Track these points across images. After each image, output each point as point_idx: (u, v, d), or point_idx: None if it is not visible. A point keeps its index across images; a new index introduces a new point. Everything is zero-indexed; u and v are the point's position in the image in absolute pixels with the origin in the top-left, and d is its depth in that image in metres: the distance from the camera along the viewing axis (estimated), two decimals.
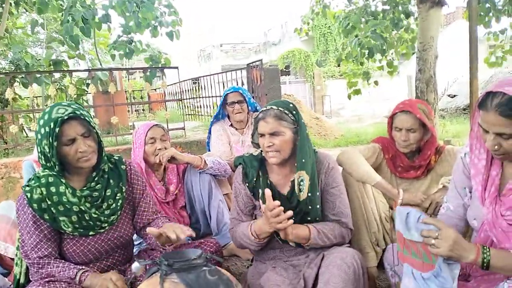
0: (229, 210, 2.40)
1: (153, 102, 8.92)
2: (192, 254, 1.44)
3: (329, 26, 20.28)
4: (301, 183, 1.66)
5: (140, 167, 2.26)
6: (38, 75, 5.09)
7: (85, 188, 1.60)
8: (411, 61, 7.55)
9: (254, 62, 5.06)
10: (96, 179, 1.62)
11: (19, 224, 1.58)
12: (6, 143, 5.10)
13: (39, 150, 1.54)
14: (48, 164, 1.53)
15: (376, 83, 7.57)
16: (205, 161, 2.38)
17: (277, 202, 1.49)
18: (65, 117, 1.48)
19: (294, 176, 1.68)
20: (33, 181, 1.55)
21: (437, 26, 5.73)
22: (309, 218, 1.67)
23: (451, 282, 1.29)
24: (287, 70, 20.99)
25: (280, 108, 1.66)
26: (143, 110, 11.30)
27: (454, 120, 11.16)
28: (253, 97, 3.67)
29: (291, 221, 1.52)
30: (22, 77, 5.49)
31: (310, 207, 1.66)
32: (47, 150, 1.49)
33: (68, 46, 6.44)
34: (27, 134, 7.40)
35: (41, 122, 1.49)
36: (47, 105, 7.29)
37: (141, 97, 12.42)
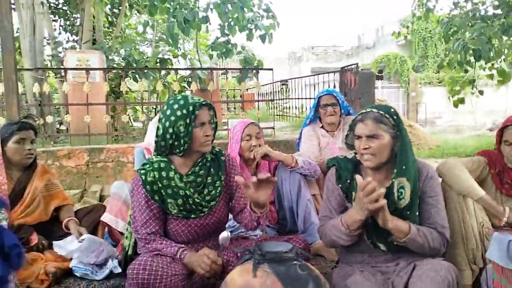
0: (316, 211, 2.44)
1: (247, 101, 9.26)
2: (283, 247, 1.50)
3: (430, 31, 19.11)
4: (401, 190, 1.62)
5: (236, 161, 2.39)
6: (146, 71, 5.62)
7: (190, 173, 1.77)
8: None
9: (349, 65, 5.00)
10: (200, 165, 1.79)
11: (132, 202, 1.79)
12: (117, 131, 5.70)
13: (165, 132, 1.71)
14: (176, 143, 1.71)
15: (481, 92, 6.96)
16: (296, 160, 2.43)
17: (370, 179, 1.46)
18: (203, 103, 1.73)
19: (391, 182, 1.65)
20: (147, 165, 1.76)
21: None
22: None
23: None
24: (380, 74, 20.20)
25: (380, 112, 1.64)
26: (234, 108, 11.78)
27: None
28: (346, 100, 3.64)
29: (384, 201, 1.46)
30: (133, 72, 6.11)
31: (408, 213, 1.62)
32: (181, 130, 1.69)
33: (168, 44, 6.99)
34: (132, 124, 8.18)
35: (176, 106, 1.70)
36: (151, 98, 7.99)
37: (234, 96, 12.94)
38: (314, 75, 6.83)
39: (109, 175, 4.26)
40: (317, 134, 3.03)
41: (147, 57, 7.44)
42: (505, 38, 6.42)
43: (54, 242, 2.29)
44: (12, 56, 3.66)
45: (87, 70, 4.76)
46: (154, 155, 1.83)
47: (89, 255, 2.27)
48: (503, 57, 6.68)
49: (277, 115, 8.98)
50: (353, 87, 4.64)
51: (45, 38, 7.07)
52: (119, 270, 2.25)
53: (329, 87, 5.68)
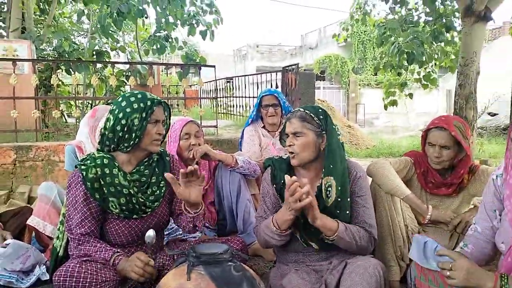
0: (256, 210, 2.45)
1: (189, 98, 9.07)
2: (219, 249, 1.49)
3: (369, 34, 20.03)
4: (329, 188, 1.67)
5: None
6: (80, 64, 5.31)
7: (134, 171, 1.71)
8: (452, 76, 7.35)
9: (291, 65, 5.09)
10: (146, 164, 1.75)
11: (68, 199, 1.67)
12: (47, 127, 5.35)
13: (116, 124, 1.64)
14: (126, 136, 1.65)
15: (410, 95, 7.43)
16: (236, 160, 2.43)
17: (294, 178, 1.50)
18: (161, 101, 1.72)
19: (320, 181, 1.70)
20: (88, 161, 1.66)
21: (481, 42, 5.59)
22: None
23: None
24: (322, 75, 20.86)
25: (306, 111, 1.73)
26: (177, 105, 11.54)
27: (492, 139, 10.76)
28: (287, 100, 3.69)
29: (310, 199, 1.50)
30: (65, 64, 5.76)
31: (338, 211, 1.67)
32: (135, 123, 1.64)
33: (101, 36, 6.67)
34: (66, 120, 7.72)
35: (133, 98, 1.66)
36: (87, 93, 7.59)
37: (176, 93, 12.67)
38: (258, 74, 6.87)
39: (38, 175, 3.98)
40: (258, 134, 3.05)
41: (82, 49, 7.04)
42: (435, 44, 6.90)
43: None
44: None
45: (14, 61, 4.40)
46: (97, 150, 1.74)
47: (14, 261, 2.11)
48: (433, 62, 7.18)
49: (221, 113, 8.93)
50: (294, 87, 4.73)
51: None
52: (46, 277, 2.11)
53: (271, 86, 5.75)
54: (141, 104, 1.66)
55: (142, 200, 1.70)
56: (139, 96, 1.69)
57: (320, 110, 1.75)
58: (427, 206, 1.93)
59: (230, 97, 8.70)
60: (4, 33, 7.35)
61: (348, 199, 1.69)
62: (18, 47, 5.19)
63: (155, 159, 1.81)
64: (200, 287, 1.35)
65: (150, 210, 1.74)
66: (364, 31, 19.95)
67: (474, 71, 5.49)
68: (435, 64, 7.35)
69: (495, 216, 1.48)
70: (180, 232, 2.26)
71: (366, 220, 1.70)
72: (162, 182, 1.79)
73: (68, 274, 1.45)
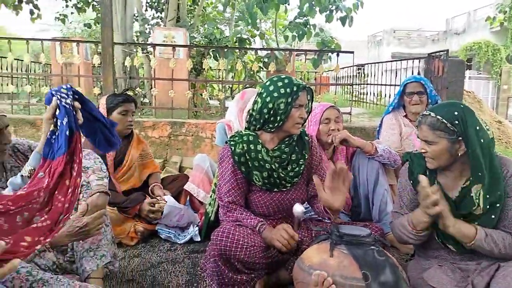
0: (393, 201, 2.39)
1: (324, 84, 9.14)
2: (361, 231, 1.52)
3: None
4: (478, 196, 1.55)
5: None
6: (226, 50, 5.76)
7: (276, 149, 1.86)
8: None
9: (438, 51, 4.70)
10: (286, 143, 1.87)
11: (219, 170, 1.91)
12: (196, 106, 5.98)
13: (263, 107, 1.80)
14: (271, 119, 1.80)
15: None
16: (376, 148, 2.40)
17: (435, 187, 1.47)
18: (305, 86, 1.82)
19: (465, 186, 1.59)
20: (237, 137, 1.86)
21: None
22: (476, 223, 1.56)
23: None
24: (469, 63, 18.68)
25: (438, 117, 1.55)
26: None
27: None
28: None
29: (442, 207, 1.46)
30: (213, 50, 6.31)
31: (483, 219, 1.55)
32: (281, 107, 1.78)
33: (247, 24, 7.04)
34: (208, 102, 8.49)
35: (280, 83, 1.79)
36: (226, 78, 8.22)
37: (308, 79, 12.81)
38: (396, 60, 6.52)
39: (188, 148, 4.51)
40: (399, 123, 2.92)
41: (226, 36, 7.62)
42: None
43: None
44: (110, 31, 3.98)
45: (174, 46, 5.02)
46: (245, 128, 1.93)
47: (172, 219, 2.48)
48: None
49: (352, 100, 8.76)
50: (441, 75, 4.36)
51: (134, 15, 7.52)
52: (198, 238, 2.43)
53: (412, 73, 5.40)
54: (288, 90, 1.77)
55: (283, 175, 1.83)
56: (286, 81, 1.80)
57: (456, 113, 1.54)
58: None
59: (363, 84, 8.45)
60: (161, 22, 8.38)
61: (498, 205, 1.53)
62: (175, 35, 5.86)
63: (295, 139, 1.91)
64: (342, 265, 1.41)
65: (289, 185, 1.87)
66: None
67: None
68: None
69: None
70: (314, 213, 2.35)
71: None
72: (301, 161, 1.89)
73: (225, 235, 1.66)
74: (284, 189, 1.87)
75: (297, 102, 1.78)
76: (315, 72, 11.69)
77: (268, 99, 1.79)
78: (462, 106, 1.59)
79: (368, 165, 2.43)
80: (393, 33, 23.95)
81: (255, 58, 7.00)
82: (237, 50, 6.26)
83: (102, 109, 2.48)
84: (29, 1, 7.73)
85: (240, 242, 1.65)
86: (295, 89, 1.77)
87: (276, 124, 1.81)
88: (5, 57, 5.70)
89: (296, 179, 1.88)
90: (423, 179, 1.48)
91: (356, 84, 8.63)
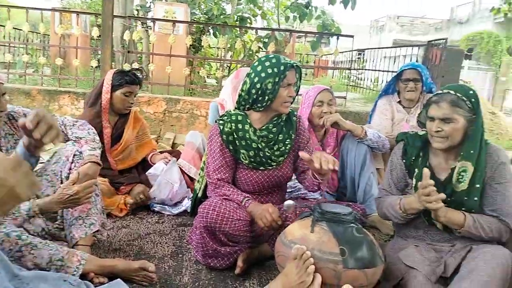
0: (378, 184, 2.45)
1: (322, 67, 9.12)
2: (343, 209, 1.58)
3: None
4: (462, 173, 1.60)
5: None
6: (227, 28, 5.72)
7: (263, 128, 1.89)
8: None
9: (438, 39, 4.70)
10: (274, 123, 1.91)
11: (208, 148, 1.95)
12: (192, 84, 5.97)
13: (251, 87, 1.82)
14: (260, 99, 1.82)
15: None
16: (365, 132, 2.44)
17: (431, 181, 1.49)
18: (293, 65, 1.81)
19: (456, 164, 1.63)
20: (225, 117, 1.90)
21: None
22: (463, 209, 1.61)
23: None
24: (469, 53, 18.60)
25: (458, 94, 1.59)
26: (305, 74, 11.65)
27: None
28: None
29: (442, 204, 1.51)
30: (213, 28, 6.26)
31: (466, 198, 1.60)
32: (269, 87, 1.80)
33: (249, 2, 6.96)
34: (205, 81, 8.45)
35: (267, 63, 1.81)
36: (225, 56, 8.18)
37: (307, 61, 12.75)
38: (396, 47, 6.53)
39: (182, 125, 4.53)
40: (392, 108, 2.95)
41: (228, 14, 7.53)
42: None
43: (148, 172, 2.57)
44: (111, 3, 3.95)
45: (174, 22, 4.97)
46: (234, 108, 1.96)
47: (164, 195, 2.53)
48: None
49: (349, 85, 8.77)
50: (438, 64, 4.37)
51: None
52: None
53: (411, 61, 5.41)
54: (275, 69, 1.79)
55: (269, 154, 1.88)
56: (274, 60, 1.81)
57: (471, 92, 1.62)
58: None
59: (361, 69, 8.43)
60: None
61: (478, 186, 1.59)
62: (176, 10, 5.80)
63: (284, 119, 1.94)
64: (322, 240, 1.47)
65: (275, 164, 1.91)
66: None
67: None
68: None
69: None
70: (302, 192, 2.41)
71: (503, 208, 1.59)
72: (288, 141, 1.93)
73: (211, 208, 1.72)
74: (270, 168, 1.91)
75: (285, 81, 1.80)
76: (315, 55, 11.69)
77: (256, 79, 1.81)
78: (472, 87, 1.66)
79: (357, 149, 2.48)
80: (396, 19, 23.74)
81: (254, 38, 6.96)
82: (237, 29, 6.19)
83: (107, 84, 2.48)
84: None
85: (226, 215, 1.71)
86: (282, 68, 1.78)
87: (264, 104, 1.84)
88: (3, 26, 5.64)
89: (282, 158, 1.92)
90: (426, 171, 1.51)
91: (353, 69, 8.62)
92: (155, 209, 2.54)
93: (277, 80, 1.79)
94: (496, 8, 8.31)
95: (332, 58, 11.29)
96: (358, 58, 9.41)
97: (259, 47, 7.23)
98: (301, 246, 1.43)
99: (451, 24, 22.62)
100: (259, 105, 1.85)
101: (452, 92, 1.60)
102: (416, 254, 1.63)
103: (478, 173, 1.59)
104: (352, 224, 1.52)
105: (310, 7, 6.57)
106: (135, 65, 4.98)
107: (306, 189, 2.04)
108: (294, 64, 1.84)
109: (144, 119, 2.89)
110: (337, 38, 4.88)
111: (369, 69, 7.58)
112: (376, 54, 7.06)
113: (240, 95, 1.90)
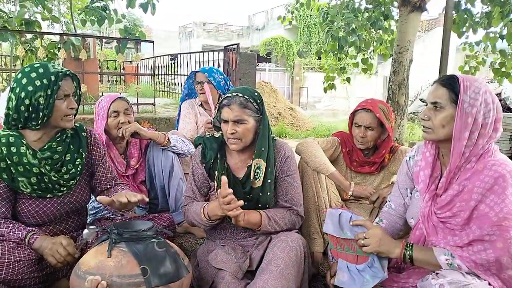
0: None
1: (125, 74, 8.72)
2: (142, 225, 1.47)
3: (314, 18, 20.31)
4: (258, 170, 1.70)
5: (101, 139, 2.25)
6: (5, 33, 4.89)
7: (45, 149, 1.61)
8: (389, 63, 7.73)
9: (232, 45, 5.04)
10: (58, 140, 1.65)
11: None
12: None
13: (19, 104, 1.53)
14: (33, 116, 1.55)
15: (348, 80, 7.69)
16: (168, 139, 2.39)
17: (230, 190, 1.50)
18: (67, 73, 1.59)
19: (251, 162, 1.72)
20: None
21: (415, 31, 5.85)
22: (260, 205, 1.72)
23: (382, 272, 1.41)
24: (268, 57, 20.94)
25: (245, 96, 1.66)
26: (116, 81, 11.06)
27: None
28: (230, 80, 3.62)
29: (241, 210, 1.55)
30: None
31: (261, 194, 1.70)
32: (41, 102, 1.52)
33: (34, 4, 6.18)
34: None
35: (34, 74, 1.52)
36: (15, 65, 7.03)
37: (115, 68, 12.13)
38: (202, 52, 6.74)
39: None
40: (195, 112, 3.00)
41: (10, 17, 6.46)
42: (374, 31, 7.13)
43: None
44: None
45: None
46: (3, 128, 1.61)
47: None
48: (371, 48, 7.44)
49: (162, 91, 8.70)
50: (234, 67, 4.71)
51: None
52: None
53: (214, 65, 5.68)
54: (44, 81, 1.54)
55: (56, 179, 1.62)
56: (41, 70, 1.55)
57: (256, 94, 1.71)
58: (349, 183, 2.04)
59: (171, 74, 8.47)
60: None
61: (270, 181, 1.70)
62: None
63: (69, 135, 1.71)
64: (121, 264, 1.33)
65: (66, 188, 1.67)
66: (310, 15, 20.20)
67: (407, 58, 5.76)
68: (373, 50, 7.62)
69: (407, 194, 1.60)
70: (107, 212, 2.20)
71: (294, 198, 1.75)
72: (78, 160, 1.71)
73: None
74: (60, 194, 1.66)
75: (60, 92, 1.57)
76: (124, 62, 11.20)
77: (22, 94, 1.53)
78: (256, 90, 1.76)
79: (163, 156, 2.41)
80: (202, 25, 24.87)
81: (48, 44, 6.16)
82: (18, 33, 5.37)
83: None
84: None
85: (0, 260, 1.39)
86: (53, 78, 1.55)
87: (40, 121, 1.57)
88: None
89: (73, 181, 1.69)
90: (224, 181, 1.50)
91: (162, 75, 8.60)
92: None
93: (49, 92, 1.54)
94: (282, 16, 9.46)
95: (144, 64, 11.03)
96: (171, 63, 9.42)
97: (55, 54, 6.45)
98: (95, 277, 1.26)
99: (250, 30, 25.02)
100: (33, 123, 1.57)
101: (240, 94, 1.67)
102: (223, 254, 1.65)
103: (269, 168, 1.71)
104: (153, 240, 1.43)
105: (108, 11, 6.18)
106: None
107: (110, 212, 1.86)
108: (68, 72, 1.61)
109: None
110: (137, 44, 4.73)
111: (176, 74, 7.64)
112: (187, 59, 7.17)
113: (7, 114, 1.57)
